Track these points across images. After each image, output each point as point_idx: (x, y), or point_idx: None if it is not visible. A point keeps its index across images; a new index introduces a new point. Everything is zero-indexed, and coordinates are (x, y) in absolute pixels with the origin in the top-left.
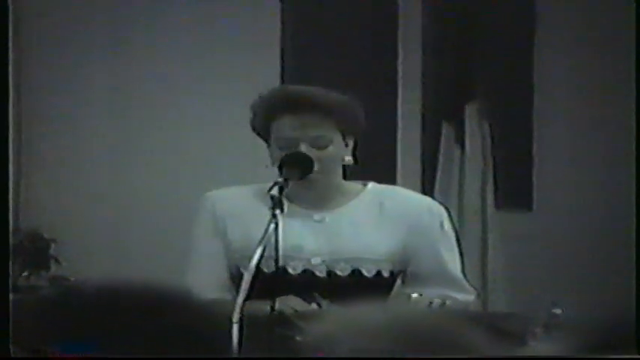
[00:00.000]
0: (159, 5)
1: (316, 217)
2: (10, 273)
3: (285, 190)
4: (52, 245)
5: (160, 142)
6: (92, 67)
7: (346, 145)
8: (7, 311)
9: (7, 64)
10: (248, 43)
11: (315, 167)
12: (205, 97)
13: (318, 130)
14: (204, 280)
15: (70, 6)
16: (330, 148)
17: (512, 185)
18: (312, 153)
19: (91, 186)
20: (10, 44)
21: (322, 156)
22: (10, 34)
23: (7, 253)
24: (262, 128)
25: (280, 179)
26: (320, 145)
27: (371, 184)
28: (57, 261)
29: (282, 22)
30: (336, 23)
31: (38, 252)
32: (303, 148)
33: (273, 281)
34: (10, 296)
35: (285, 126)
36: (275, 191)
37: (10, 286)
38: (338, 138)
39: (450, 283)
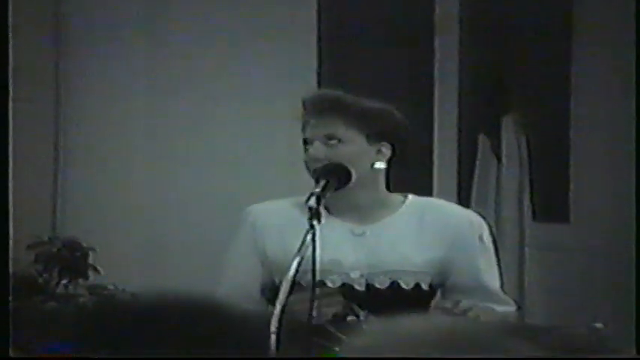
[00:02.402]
0: (195, 7)
1: (357, 230)
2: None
3: (323, 201)
4: (91, 254)
5: (197, 152)
6: (130, 80)
7: (378, 152)
8: (7, 312)
9: (7, 65)
10: (284, 47)
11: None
12: (242, 107)
13: (329, 129)
14: (235, 294)
15: (108, 9)
16: (342, 147)
17: (550, 197)
18: (322, 150)
19: (129, 195)
20: (10, 44)
21: (331, 154)
22: (10, 34)
23: (7, 254)
24: (303, 132)
25: (317, 190)
26: (329, 143)
27: (411, 197)
28: (95, 269)
29: (319, 33)
30: (372, 34)
31: (77, 260)
32: (316, 145)
33: (311, 293)
34: (51, 303)
35: (308, 127)
36: (312, 202)
37: (48, 294)
38: (356, 139)
39: (488, 296)
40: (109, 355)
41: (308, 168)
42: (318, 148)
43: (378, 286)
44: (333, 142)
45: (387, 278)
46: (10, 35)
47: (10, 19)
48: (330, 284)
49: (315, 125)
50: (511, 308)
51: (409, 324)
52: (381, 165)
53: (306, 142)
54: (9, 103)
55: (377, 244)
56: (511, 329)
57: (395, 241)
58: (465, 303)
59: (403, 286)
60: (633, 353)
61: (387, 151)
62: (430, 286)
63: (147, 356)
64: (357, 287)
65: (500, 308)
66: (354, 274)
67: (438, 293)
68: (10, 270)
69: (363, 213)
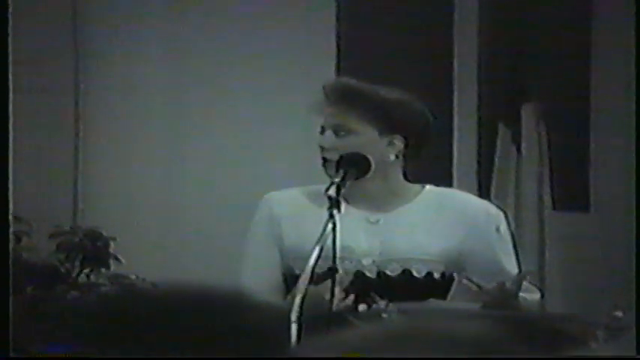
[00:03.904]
0: (213, 4)
1: (371, 218)
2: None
3: (343, 190)
4: (112, 243)
5: (216, 142)
6: (149, 69)
7: (389, 144)
8: (7, 312)
9: (7, 65)
10: (303, 42)
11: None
12: (260, 97)
13: (340, 119)
14: (258, 282)
15: (127, 6)
16: (352, 138)
17: (569, 186)
18: (331, 141)
19: (149, 185)
20: (10, 42)
21: (340, 145)
22: (10, 34)
23: (8, 254)
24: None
25: (337, 179)
26: (340, 133)
27: (428, 187)
28: (117, 259)
29: (338, 21)
30: (392, 23)
31: (98, 250)
32: (327, 135)
33: (325, 279)
34: (72, 293)
35: (323, 114)
36: (332, 191)
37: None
38: (366, 131)
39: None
40: (127, 347)
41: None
42: (327, 138)
43: (389, 273)
44: (343, 132)
45: (399, 266)
46: (31, 28)
47: (10, 17)
48: (342, 271)
49: (329, 114)
50: (536, 296)
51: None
52: (389, 158)
53: (322, 129)
54: (27, 95)
55: (390, 232)
56: (533, 319)
57: (409, 229)
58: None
59: (415, 274)
60: (633, 353)
61: (399, 143)
62: (443, 275)
63: (168, 347)
64: (368, 274)
65: (527, 296)
66: (366, 261)
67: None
68: (11, 263)
69: (377, 202)
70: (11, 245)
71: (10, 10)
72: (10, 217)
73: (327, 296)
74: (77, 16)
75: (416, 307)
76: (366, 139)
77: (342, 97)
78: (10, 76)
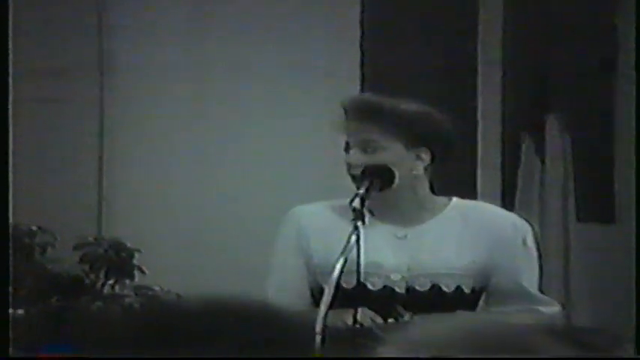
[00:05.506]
0: (236, 10)
1: (399, 233)
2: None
3: (367, 202)
4: (136, 255)
5: (242, 152)
6: (173, 82)
7: (417, 158)
8: (7, 313)
9: (7, 70)
10: (327, 49)
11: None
12: (285, 108)
13: (366, 135)
14: (285, 295)
15: (151, 20)
16: (380, 155)
17: (594, 198)
18: (360, 157)
19: (174, 196)
20: (10, 47)
21: (368, 161)
22: (10, 35)
23: (7, 255)
24: (345, 135)
25: (361, 190)
26: (367, 150)
27: (455, 199)
28: (141, 270)
29: (362, 34)
30: (415, 35)
31: (122, 261)
32: (353, 152)
33: (353, 295)
34: (97, 303)
35: (346, 131)
36: (356, 203)
37: (93, 295)
38: (394, 146)
39: (529, 298)
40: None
41: (349, 172)
42: (355, 155)
43: (418, 288)
44: (370, 149)
45: (428, 281)
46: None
47: (10, 21)
48: (370, 287)
49: (353, 131)
50: (556, 308)
51: (452, 323)
52: (419, 171)
53: (347, 146)
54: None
55: (418, 247)
56: (558, 332)
57: (436, 244)
58: (510, 309)
59: (444, 289)
60: (632, 353)
61: (426, 156)
62: (473, 289)
63: (190, 357)
64: (397, 290)
65: (546, 309)
66: (395, 277)
67: (482, 300)
68: (7, 269)
69: (404, 216)
70: (36, 256)
71: (37, 23)
72: (11, 220)
73: (350, 320)
74: (102, 30)
75: (441, 319)
76: (394, 154)
77: (364, 113)
78: (35, 88)
